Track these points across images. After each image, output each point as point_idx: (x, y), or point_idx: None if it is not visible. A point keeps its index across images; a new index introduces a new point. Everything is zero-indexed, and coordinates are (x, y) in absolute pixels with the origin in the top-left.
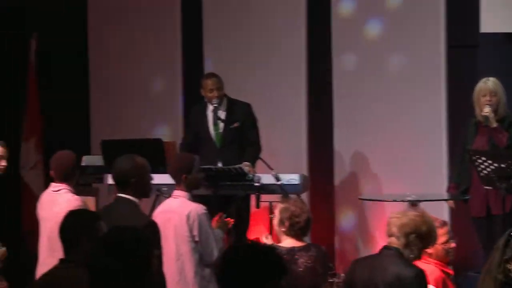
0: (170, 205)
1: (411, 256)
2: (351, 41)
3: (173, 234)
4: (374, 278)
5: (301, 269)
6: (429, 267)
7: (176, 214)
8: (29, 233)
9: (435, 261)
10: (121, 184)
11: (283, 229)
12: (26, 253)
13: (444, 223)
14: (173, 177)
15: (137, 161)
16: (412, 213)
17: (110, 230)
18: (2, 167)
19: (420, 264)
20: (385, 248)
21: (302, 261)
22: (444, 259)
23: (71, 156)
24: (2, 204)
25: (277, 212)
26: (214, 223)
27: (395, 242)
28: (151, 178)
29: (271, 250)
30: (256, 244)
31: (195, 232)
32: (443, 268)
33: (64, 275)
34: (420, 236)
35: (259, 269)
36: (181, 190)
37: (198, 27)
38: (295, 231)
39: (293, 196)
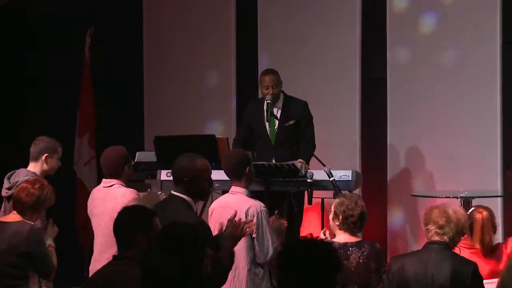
0: (227, 201)
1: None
2: (406, 36)
3: None
4: (428, 274)
5: (353, 265)
6: None
7: (234, 210)
8: (82, 229)
9: None
10: (175, 180)
11: (337, 223)
12: (79, 249)
13: None
14: (232, 173)
15: (196, 161)
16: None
17: (167, 225)
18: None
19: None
20: (433, 243)
21: (355, 257)
22: None
23: (120, 152)
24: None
25: (332, 207)
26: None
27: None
28: (208, 182)
29: (328, 247)
30: (313, 240)
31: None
32: None
33: (119, 272)
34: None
35: (316, 265)
36: (239, 186)
37: (253, 22)
38: (348, 225)
39: (350, 192)
